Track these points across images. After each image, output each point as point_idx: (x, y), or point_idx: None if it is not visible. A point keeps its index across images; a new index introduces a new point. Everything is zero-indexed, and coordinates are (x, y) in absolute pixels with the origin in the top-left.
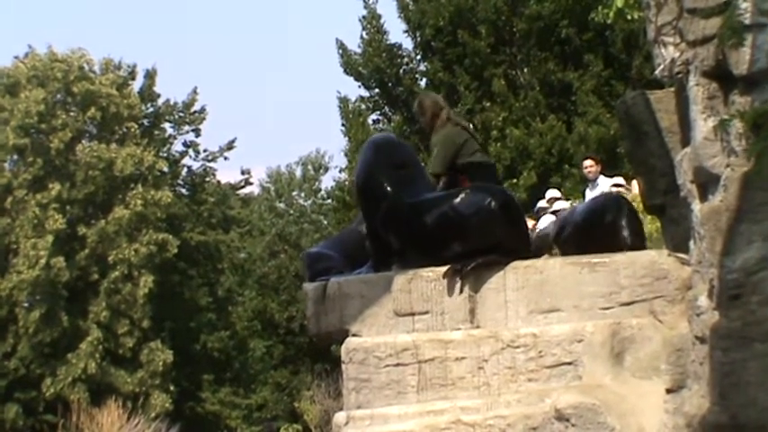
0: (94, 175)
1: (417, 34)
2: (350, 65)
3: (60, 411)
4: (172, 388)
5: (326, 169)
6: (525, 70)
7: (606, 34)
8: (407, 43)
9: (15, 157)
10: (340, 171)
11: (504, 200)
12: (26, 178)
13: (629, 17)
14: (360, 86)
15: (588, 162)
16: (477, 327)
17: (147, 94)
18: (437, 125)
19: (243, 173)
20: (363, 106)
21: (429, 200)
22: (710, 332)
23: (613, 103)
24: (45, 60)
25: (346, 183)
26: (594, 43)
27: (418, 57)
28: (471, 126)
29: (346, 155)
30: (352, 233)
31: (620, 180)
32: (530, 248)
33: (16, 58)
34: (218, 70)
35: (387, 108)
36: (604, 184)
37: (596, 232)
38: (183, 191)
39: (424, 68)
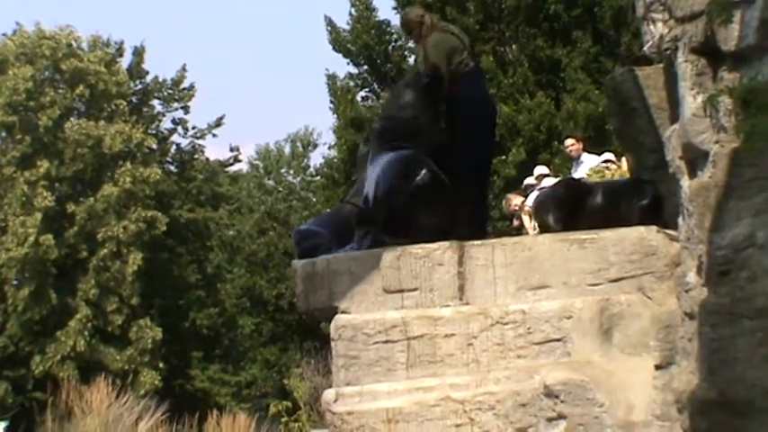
0: (83, 153)
1: (405, 12)
2: (338, 42)
3: (49, 389)
4: (161, 365)
5: (315, 146)
6: (514, 47)
7: (595, 10)
8: (396, 20)
9: (3, 134)
10: (329, 148)
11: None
12: (14, 156)
13: None
14: (348, 63)
15: (569, 141)
16: (467, 303)
17: (136, 72)
18: (423, 33)
19: (231, 150)
20: (352, 83)
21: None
22: (699, 308)
23: (602, 80)
24: (33, 37)
25: (335, 160)
26: (583, 20)
27: (404, 35)
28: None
29: (335, 132)
30: (341, 210)
31: (609, 156)
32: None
33: (4, 35)
34: (206, 47)
35: (375, 85)
36: (589, 161)
37: None
38: (172, 168)
39: (413, 45)
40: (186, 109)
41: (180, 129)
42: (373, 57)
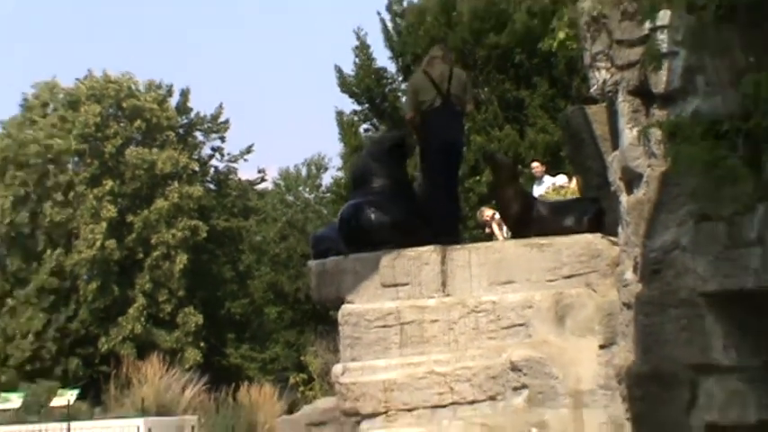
0: (140, 174)
1: (399, 60)
2: (345, 85)
3: (112, 364)
4: (202, 345)
5: (326, 169)
6: (486, 89)
7: (551, 60)
8: (391, 67)
9: (76, 159)
10: (337, 170)
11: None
12: (85, 176)
13: (569, 47)
14: (353, 102)
15: (535, 164)
16: (448, 295)
17: (183, 108)
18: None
19: (259, 171)
20: (356, 118)
21: None
22: (635, 300)
23: (557, 116)
24: (100, 81)
25: (342, 180)
26: (541, 67)
27: (400, 78)
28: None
29: (342, 157)
30: (348, 219)
31: (563, 177)
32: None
33: (77, 79)
34: (241, 88)
35: (375, 120)
36: (548, 182)
37: None
38: (211, 186)
39: (403, 91)
40: (222, 138)
41: (217, 155)
42: (373, 97)
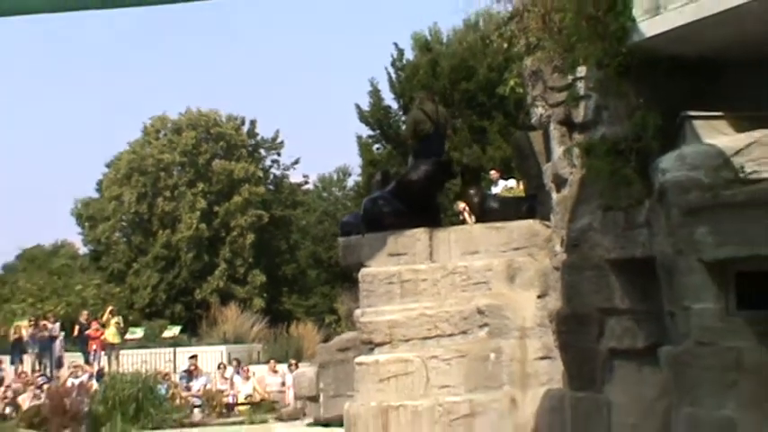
0: (222, 179)
1: (400, 100)
2: (363, 117)
3: (204, 308)
4: (264, 295)
5: (350, 174)
6: (459, 120)
7: (505, 101)
8: (394, 105)
9: (179, 168)
10: (357, 176)
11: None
12: (185, 180)
13: (517, 91)
14: (368, 129)
15: (493, 171)
16: (434, 262)
17: (251, 133)
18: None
19: (303, 176)
20: (370, 140)
21: None
22: (562, 265)
23: (509, 139)
24: (195, 114)
25: (360, 183)
26: (498, 105)
27: (401, 113)
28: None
29: (360, 167)
30: (366, 209)
31: (512, 181)
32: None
33: (180, 113)
34: (292, 118)
35: (383, 141)
36: (502, 184)
37: None
38: (271, 187)
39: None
40: (279, 153)
41: (275, 165)
42: (382, 126)
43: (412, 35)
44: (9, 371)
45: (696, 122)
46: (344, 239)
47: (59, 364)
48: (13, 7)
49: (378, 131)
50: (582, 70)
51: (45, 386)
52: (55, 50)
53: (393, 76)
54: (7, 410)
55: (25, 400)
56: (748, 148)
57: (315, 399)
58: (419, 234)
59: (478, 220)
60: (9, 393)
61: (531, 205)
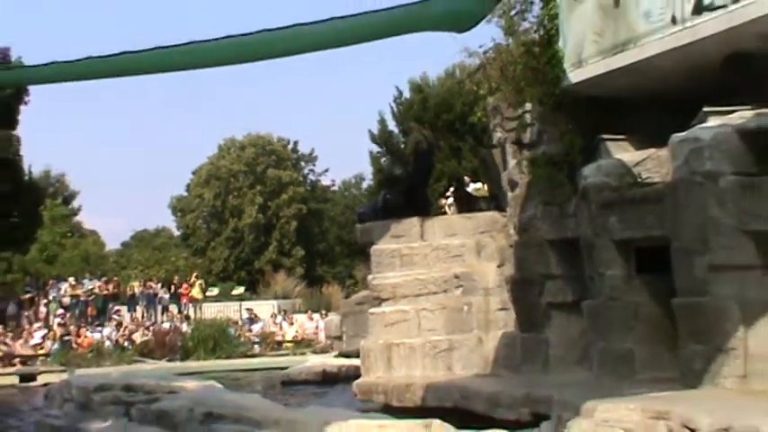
0: (273, 182)
1: (400, 127)
2: (374, 139)
3: (261, 275)
4: (304, 265)
5: (364, 179)
6: (442, 141)
7: (474, 127)
8: (396, 130)
9: (243, 175)
10: (370, 180)
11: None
12: (247, 183)
13: (483, 120)
14: (377, 147)
15: (466, 177)
16: (425, 241)
17: (294, 149)
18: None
19: (332, 180)
20: (378, 155)
21: None
22: (514, 243)
23: (477, 154)
24: (254, 137)
25: (371, 186)
26: (470, 131)
27: (401, 137)
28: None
29: (372, 174)
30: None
31: (480, 184)
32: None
33: (243, 135)
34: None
35: (387, 156)
36: (472, 186)
37: None
38: (308, 188)
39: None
40: (314, 164)
41: (311, 173)
42: (387, 144)
43: (408, 80)
44: (126, 317)
45: (608, 143)
46: (361, 225)
47: (161, 313)
48: (157, 65)
49: (384, 149)
50: (528, 106)
51: (151, 327)
52: (165, 83)
53: (395, 109)
54: (126, 344)
55: (138, 337)
56: (643, 162)
57: (339, 338)
58: (414, 222)
59: (459, 212)
60: (126, 332)
61: (471, 204)
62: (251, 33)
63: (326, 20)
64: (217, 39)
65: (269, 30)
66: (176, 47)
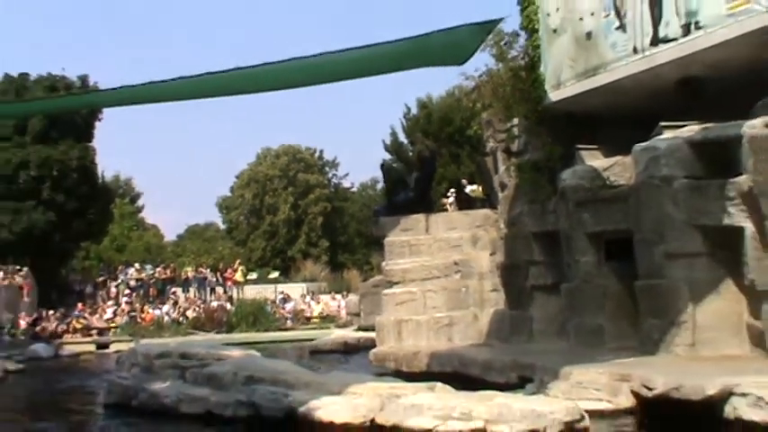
0: (302, 185)
1: (408, 138)
2: (386, 148)
3: (293, 262)
4: (328, 254)
5: (378, 182)
6: (443, 149)
7: (471, 138)
8: (405, 141)
9: (278, 179)
10: (384, 183)
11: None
12: (281, 185)
13: (478, 132)
14: (389, 155)
15: (464, 180)
16: (429, 234)
17: (320, 157)
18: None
19: (351, 183)
20: (391, 161)
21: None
22: (503, 236)
23: (474, 161)
24: (286, 147)
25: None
26: (468, 141)
27: (409, 146)
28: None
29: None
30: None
31: (475, 186)
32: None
33: (279, 146)
34: (348, 145)
35: (398, 162)
36: (469, 188)
37: None
38: (332, 189)
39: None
40: (336, 168)
41: (335, 176)
42: (398, 153)
43: (416, 99)
44: (181, 297)
45: (582, 152)
46: (375, 219)
47: (209, 293)
48: (219, 89)
49: (395, 156)
50: (515, 121)
51: (202, 305)
52: (214, 101)
53: (404, 123)
54: (181, 319)
55: (190, 313)
56: (611, 167)
57: (358, 314)
58: (420, 217)
59: (459, 210)
60: (181, 309)
61: (484, 202)
62: (274, 63)
63: (341, 50)
64: (226, 70)
65: (288, 60)
66: (211, 74)
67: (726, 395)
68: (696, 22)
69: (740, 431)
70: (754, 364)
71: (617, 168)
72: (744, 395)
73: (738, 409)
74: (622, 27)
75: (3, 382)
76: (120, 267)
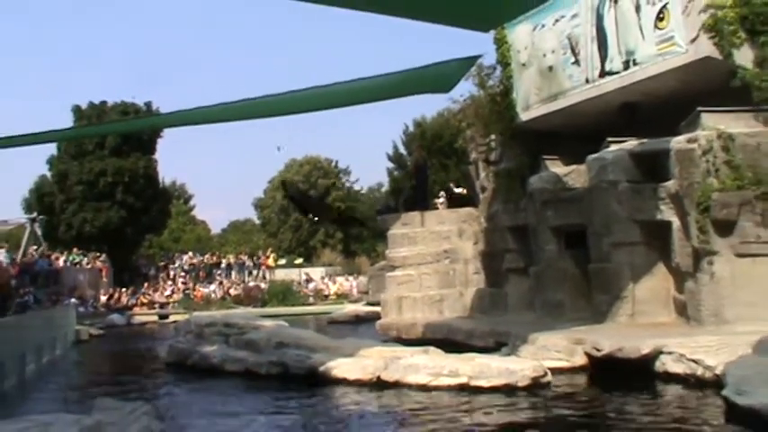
0: (322, 188)
1: (407, 150)
2: (390, 159)
3: (314, 250)
4: (343, 243)
5: (383, 186)
6: (434, 160)
7: (457, 150)
8: (404, 153)
9: (301, 184)
10: (387, 188)
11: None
12: (304, 189)
13: (464, 146)
14: (393, 164)
15: (451, 185)
16: (424, 228)
17: (336, 165)
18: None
19: (360, 187)
20: (393, 169)
21: None
22: (484, 229)
23: (460, 169)
24: (309, 157)
25: (388, 191)
26: (455, 153)
27: (408, 156)
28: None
29: (388, 184)
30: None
31: (461, 189)
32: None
33: (303, 157)
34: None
35: (399, 170)
36: (456, 190)
37: None
38: (345, 191)
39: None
40: (349, 176)
41: (347, 181)
42: (398, 162)
43: (413, 119)
44: (225, 278)
45: (546, 161)
46: (380, 217)
47: (247, 275)
48: (249, 113)
49: (396, 165)
50: (493, 136)
51: (241, 285)
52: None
53: (403, 138)
54: (225, 296)
55: (232, 292)
56: (570, 173)
57: (367, 292)
58: (416, 214)
59: (448, 208)
60: (225, 288)
61: (466, 202)
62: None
63: (353, 80)
64: (266, 95)
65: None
66: (241, 101)
67: (656, 353)
68: (634, 60)
69: (666, 380)
70: (679, 329)
71: (574, 174)
72: (670, 353)
73: (665, 364)
74: (577, 62)
75: (88, 343)
76: (176, 254)
